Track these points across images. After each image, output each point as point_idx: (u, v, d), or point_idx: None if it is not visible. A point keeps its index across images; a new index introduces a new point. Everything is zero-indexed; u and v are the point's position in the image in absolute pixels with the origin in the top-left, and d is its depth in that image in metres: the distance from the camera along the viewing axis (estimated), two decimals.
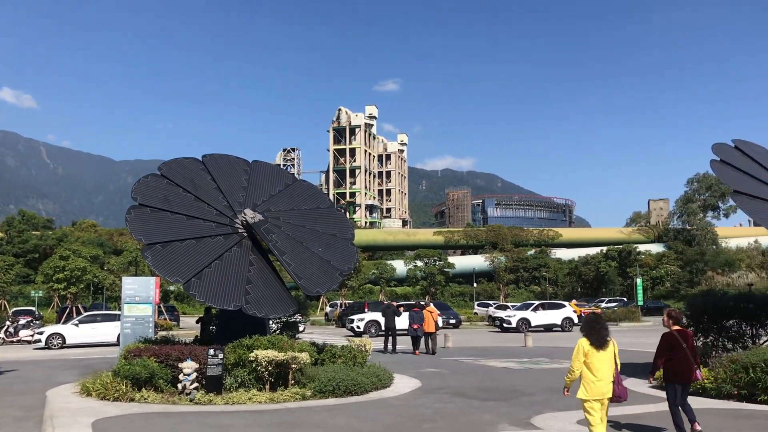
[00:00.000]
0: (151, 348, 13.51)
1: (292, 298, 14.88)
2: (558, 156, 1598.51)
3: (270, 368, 12.60)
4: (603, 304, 55.78)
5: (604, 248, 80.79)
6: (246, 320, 13.98)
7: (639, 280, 57.91)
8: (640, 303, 55.54)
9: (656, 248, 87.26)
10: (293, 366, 12.87)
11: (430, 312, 23.63)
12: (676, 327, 8.98)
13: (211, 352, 12.52)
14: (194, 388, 12.25)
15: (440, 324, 27.76)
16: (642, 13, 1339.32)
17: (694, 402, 11.76)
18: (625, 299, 63.32)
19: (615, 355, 7.59)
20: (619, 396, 7.53)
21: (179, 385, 12.42)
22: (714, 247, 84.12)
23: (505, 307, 48.04)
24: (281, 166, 78.67)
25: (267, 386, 12.70)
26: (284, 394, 12.45)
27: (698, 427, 8.62)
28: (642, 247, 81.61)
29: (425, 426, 10.03)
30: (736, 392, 11.73)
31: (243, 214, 15.22)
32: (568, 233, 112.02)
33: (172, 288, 64.82)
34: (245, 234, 15.24)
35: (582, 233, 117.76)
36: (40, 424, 10.27)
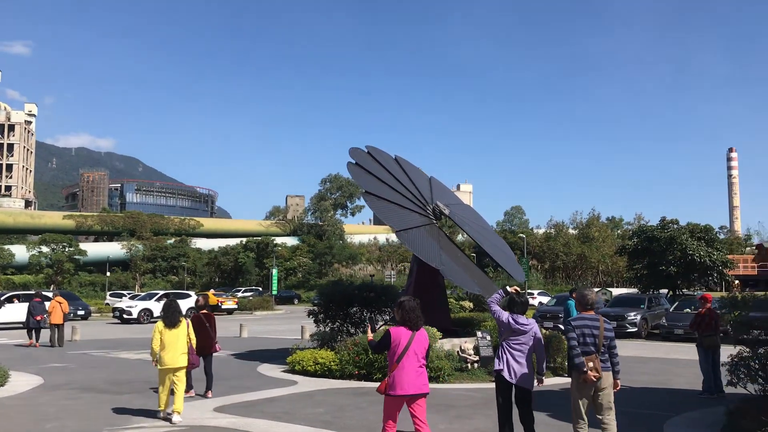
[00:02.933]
0: None
1: None
2: (202, 145, 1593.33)
3: None
4: (239, 294, 57.31)
5: (244, 240, 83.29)
6: None
7: (275, 271, 60.84)
8: (275, 293, 58.43)
9: (291, 241, 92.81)
10: None
11: (59, 302, 21.64)
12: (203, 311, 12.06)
13: None
14: None
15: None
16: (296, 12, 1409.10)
17: (324, 383, 12.89)
18: (261, 289, 66.08)
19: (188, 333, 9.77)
20: (193, 363, 9.92)
21: None
22: (341, 241, 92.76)
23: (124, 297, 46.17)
24: None
25: None
26: None
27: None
28: (279, 240, 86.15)
29: (48, 426, 9.12)
30: (356, 372, 13.10)
31: None
32: (209, 223, 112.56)
33: None
34: None
35: (223, 224, 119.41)
36: None
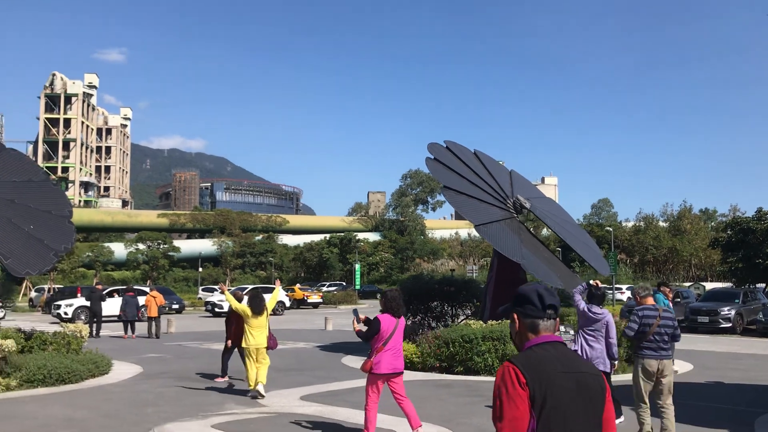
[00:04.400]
0: None
1: None
2: (287, 144, 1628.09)
3: None
4: (324, 288, 58.48)
5: (328, 235, 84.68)
6: None
7: (357, 266, 61.70)
8: (358, 287, 59.27)
9: (373, 237, 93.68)
10: None
11: (154, 297, 22.85)
12: None
13: None
14: None
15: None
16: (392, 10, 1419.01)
17: (405, 375, 13.10)
18: (344, 283, 67.17)
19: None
20: (271, 346, 10.93)
21: None
22: (422, 237, 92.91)
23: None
24: None
25: None
26: None
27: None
28: (361, 236, 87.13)
29: (148, 410, 9.77)
30: (438, 365, 13.27)
31: None
32: (294, 220, 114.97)
33: None
34: None
35: (308, 221, 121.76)
36: None
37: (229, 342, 12.68)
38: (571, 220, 20.13)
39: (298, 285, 55.88)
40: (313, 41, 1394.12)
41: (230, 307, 11.80)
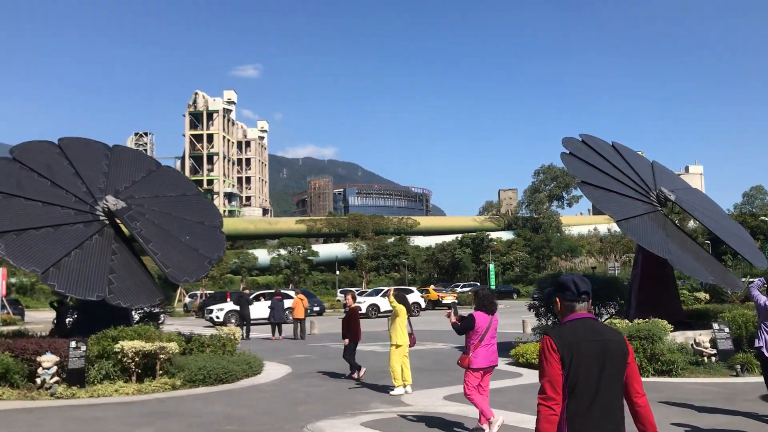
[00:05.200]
0: (4, 342, 12.66)
1: (158, 288, 14.51)
2: (415, 146, 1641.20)
3: (137, 359, 12.24)
4: (458, 289, 58.42)
5: (459, 236, 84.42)
6: (108, 311, 13.45)
7: (491, 266, 61.15)
8: (493, 287, 58.72)
9: (506, 235, 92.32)
10: (161, 356, 12.58)
11: (300, 299, 23.88)
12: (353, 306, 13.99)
13: (73, 344, 11.95)
14: (55, 382, 11.67)
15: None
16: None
17: None
18: (479, 284, 66.70)
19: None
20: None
21: (38, 380, 11.75)
22: (558, 234, 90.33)
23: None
24: None
25: (134, 377, 12.34)
26: (152, 384, 12.14)
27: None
28: (494, 235, 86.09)
29: (300, 408, 10.24)
30: None
31: (104, 201, 14.58)
32: (425, 221, 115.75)
33: (13, 280, 60.22)
34: (107, 222, 14.60)
35: (438, 221, 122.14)
36: None
37: (346, 341, 13.42)
38: (720, 210, 18.92)
39: (432, 286, 56.19)
40: (434, 43, 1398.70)
41: (349, 308, 13.70)
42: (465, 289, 58.94)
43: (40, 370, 11.72)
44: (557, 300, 3.56)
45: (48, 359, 11.71)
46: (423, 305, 40.76)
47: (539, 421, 3.37)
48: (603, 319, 15.96)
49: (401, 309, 11.34)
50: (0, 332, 15.50)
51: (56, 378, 11.73)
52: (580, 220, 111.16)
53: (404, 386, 11.26)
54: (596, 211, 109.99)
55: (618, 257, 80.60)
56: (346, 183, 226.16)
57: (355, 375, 13.27)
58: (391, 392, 11.19)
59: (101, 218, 14.54)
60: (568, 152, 16.07)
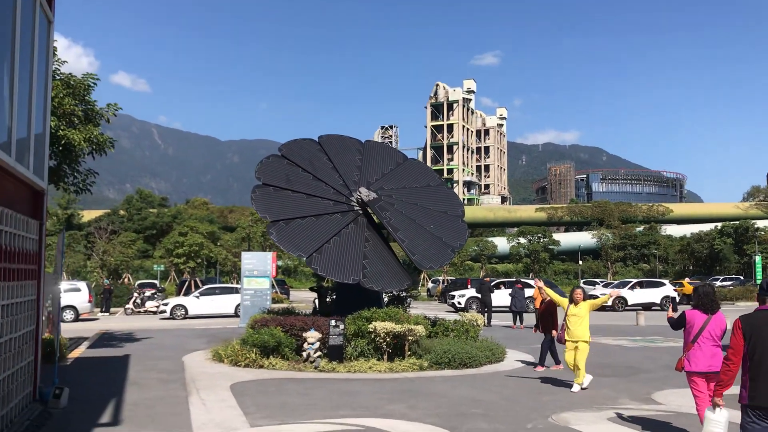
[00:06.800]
0: (276, 318, 14.34)
1: (407, 273, 15.33)
2: (668, 128, 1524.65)
3: (388, 339, 13.12)
4: (717, 283, 53.35)
5: (719, 224, 76.88)
6: (362, 293, 14.54)
7: (758, 258, 54.93)
8: (758, 281, 52.67)
9: None
10: (409, 338, 13.34)
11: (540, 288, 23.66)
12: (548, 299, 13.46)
13: (333, 323, 13.18)
14: (318, 357, 12.96)
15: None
16: None
17: None
18: (742, 278, 60.24)
19: None
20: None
21: (303, 354, 13.16)
22: None
23: (602, 285, 46.87)
24: None
25: (385, 356, 13.24)
26: (402, 364, 12.94)
27: None
28: (761, 223, 76.97)
29: (544, 398, 10.24)
30: None
31: (358, 193, 15.74)
32: (679, 209, 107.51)
33: (279, 263, 67.33)
34: (360, 211, 15.77)
35: (694, 209, 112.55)
36: (185, 386, 11.21)
37: (554, 333, 13.22)
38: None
39: (687, 279, 52.22)
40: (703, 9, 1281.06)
41: (547, 300, 13.56)
42: (726, 283, 53.65)
43: (305, 345, 13.11)
44: (756, 296, 5.27)
45: (313, 335, 13.05)
46: (678, 299, 37.66)
47: (721, 372, 5.61)
48: None
49: (563, 301, 11.58)
50: (271, 309, 17.50)
51: (319, 353, 13.03)
52: None
53: (582, 380, 11.01)
54: None
55: None
56: (589, 168, 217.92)
57: (540, 368, 13.34)
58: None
59: (356, 208, 15.73)
60: None
